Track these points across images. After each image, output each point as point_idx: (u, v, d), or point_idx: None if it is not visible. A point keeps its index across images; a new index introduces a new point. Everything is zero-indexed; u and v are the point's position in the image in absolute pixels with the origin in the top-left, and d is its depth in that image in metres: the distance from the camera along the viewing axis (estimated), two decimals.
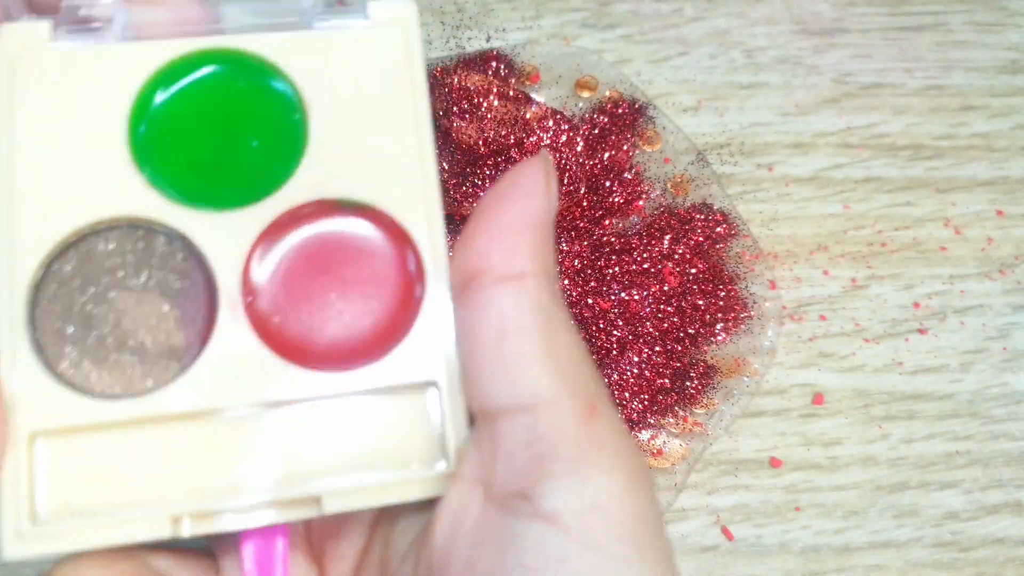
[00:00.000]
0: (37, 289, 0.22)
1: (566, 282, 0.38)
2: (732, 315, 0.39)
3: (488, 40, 0.45)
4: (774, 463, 0.37)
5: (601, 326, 0.38)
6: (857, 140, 0.44)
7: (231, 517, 0.21)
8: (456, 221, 0.39)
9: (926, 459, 0.38)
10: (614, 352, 0.37)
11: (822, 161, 0.43)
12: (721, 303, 0.39)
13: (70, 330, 0.22)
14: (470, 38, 0.45)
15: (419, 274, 0.23)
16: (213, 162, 0.23)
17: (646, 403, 0.37)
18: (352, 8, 0.24)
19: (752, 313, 0.39)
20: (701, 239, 0.40)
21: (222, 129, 0.23)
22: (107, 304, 0.22)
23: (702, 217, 0.41)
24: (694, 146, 0.43)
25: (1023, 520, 0.37)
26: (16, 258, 0.22)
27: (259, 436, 0.22)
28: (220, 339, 0.22)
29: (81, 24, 0.23)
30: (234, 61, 0.24)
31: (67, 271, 0.22)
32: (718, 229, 0.41)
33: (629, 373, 0.37)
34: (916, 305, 0.41)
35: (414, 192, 0.23)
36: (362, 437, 0.22)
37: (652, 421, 0.37)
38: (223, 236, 0.23)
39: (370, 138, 0.24)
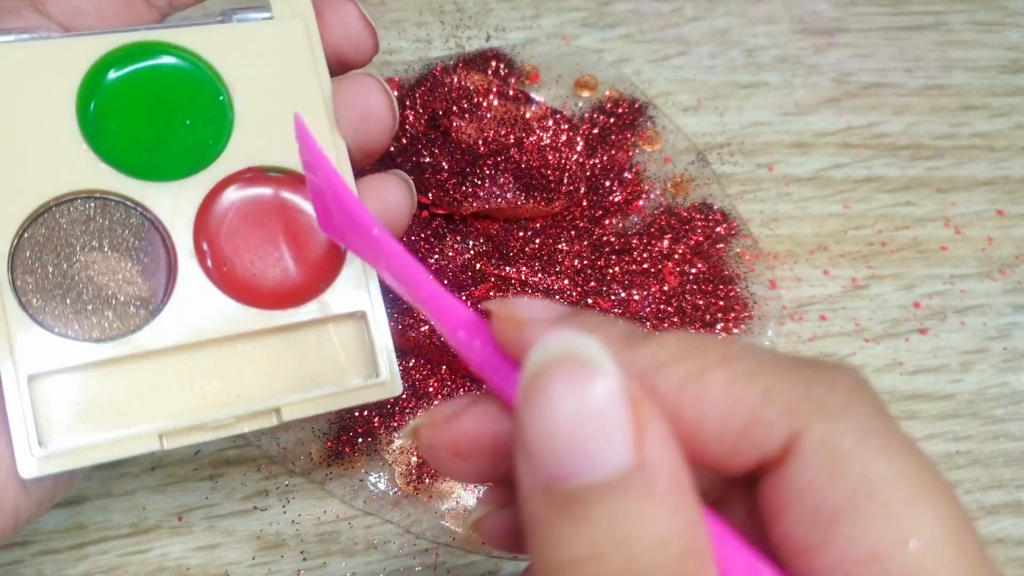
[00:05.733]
0: (14, 256, 0.25)
1: (566, 282, 0.38)
2: (732, 315, 0.39)
3: (488, 39, 0.45)
4: None
5: None
6: (857, 140, 0.44)
7: (206, 432, 0.25)
8: (456, 220, 0.39)
9: None
10: None
11: (822, 161, 0.43)
12: (721, 303, 0.39)
13: (49, 288, 0.25)
14: (470, 37, 0.45)
15: None
16: (155, 139, 0.27)
17: None
18: (258, 5, 0.28)
19: (752, 313, 0.39)
20: (701, 239, 0.40)
21: (159, 111, 0.27)
22: (78, 264, 0.26)
23: (702, 217, 0.41)
24: (694, 146, 0.43)
25: (1023, 520, 0.37)
26: None
27: (222, 365, 0.26)
28: (181, 288, 0.26)
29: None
30: (167, 52, 0.27)
31: (39, 238, 0.25)
32: (718, 229, 0.40)
33: None
34: (916, 305, 0.41)
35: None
36: (308, 359, 0.27)
37: None
38: (172, 202, 0.26)
39: (286, 112, 0.27)
